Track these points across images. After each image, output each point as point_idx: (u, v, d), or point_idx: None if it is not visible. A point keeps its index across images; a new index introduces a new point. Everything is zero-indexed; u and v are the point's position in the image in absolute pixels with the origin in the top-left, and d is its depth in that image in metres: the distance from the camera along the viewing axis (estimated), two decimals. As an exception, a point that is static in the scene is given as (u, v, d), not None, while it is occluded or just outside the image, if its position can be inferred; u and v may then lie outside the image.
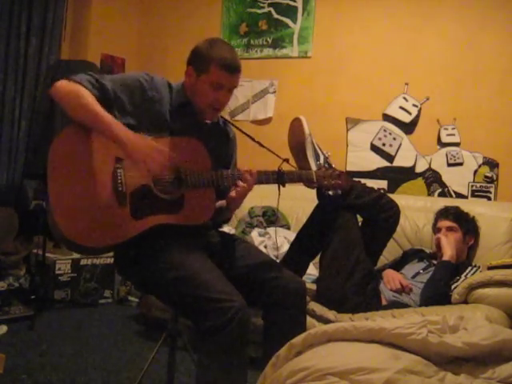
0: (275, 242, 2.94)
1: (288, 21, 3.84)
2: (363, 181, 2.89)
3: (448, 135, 3.37)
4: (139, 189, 1.75)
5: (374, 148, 3.57)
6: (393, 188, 3.49)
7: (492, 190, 3.25)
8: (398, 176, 3.50)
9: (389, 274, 2.65)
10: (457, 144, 3.35)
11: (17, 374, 2.38)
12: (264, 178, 1.88)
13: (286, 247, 2.80)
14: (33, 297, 3.22)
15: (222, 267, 1.76)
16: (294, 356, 1.40)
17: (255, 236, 3.05)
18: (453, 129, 3.35)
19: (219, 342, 1.59)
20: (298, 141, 2.26)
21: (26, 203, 3.67)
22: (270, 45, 3.90)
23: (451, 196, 3.35)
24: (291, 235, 2.87)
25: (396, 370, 1.23)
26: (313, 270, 2.79)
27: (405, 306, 2.44)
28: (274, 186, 1.93)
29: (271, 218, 3.29)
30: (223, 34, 4.04)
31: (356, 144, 3.62)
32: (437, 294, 2.45)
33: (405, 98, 3.49)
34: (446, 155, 3.37)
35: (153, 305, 2.99)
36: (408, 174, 3.48)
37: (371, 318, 2.24)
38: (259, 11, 3.94)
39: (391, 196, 2.64)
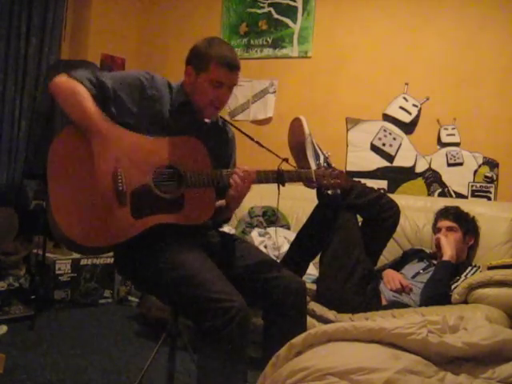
0: (275, 242, 2.94)
1: (288, 21, 3.84)
2: (363, 181, 2.89)
3: (448, 135, 3.37)
4: (139, 188, 1.75)
5: (374, 148, 3.57)
6: (393, 188, 3.49)
7: (492, 189, 3.25)
8: (398, 176, 3.50)
9: (389, 273, 2.64)
10: (457, 144, 3.35)
11: (17, 373, 2.39)
12: (263, 177, 1.88)
13: (286, 247, 2.80)
14: (33, 297, 3.22)
15: (221, 267, 1.76)
16: (294, 356, 1.40)
17: (255, 236, 3.05)
18: (453, 129, 3.35)
19: (219, 341, 1.59)
20: (297, 141, 2.26)
21: (26, 203, 3.67)
22: (270, 45, 3.90)
23: (451, 196, 3.35)
24: (291, 235, 2.87)
25: (396, 370, 1.23)
26: (313, 270, 2.79)
27: (405, 306, 2.44)
28: (274, 186, 1.93)
29: (271, 217, 3.29)
30: (223, 34, 4.04)
31: (356, 144, 3.62)
32: (437, 294, 2.44)
33: (405, 98, 3.49)
34: (446, 155, 3.37)
35: (153, 305, 3.00)
36: (408, 173, 3.48)
37: (371, 317, 2.24)
38: (259, 11, 3.94)
39: (391, 196, 2.64)
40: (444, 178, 3.38)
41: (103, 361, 2.62)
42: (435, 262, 2.68)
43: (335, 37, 3.70)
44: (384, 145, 3.54)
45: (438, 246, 2.68)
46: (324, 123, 3.52)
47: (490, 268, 2.49)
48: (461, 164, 3.33)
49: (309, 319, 2.08)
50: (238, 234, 3.10)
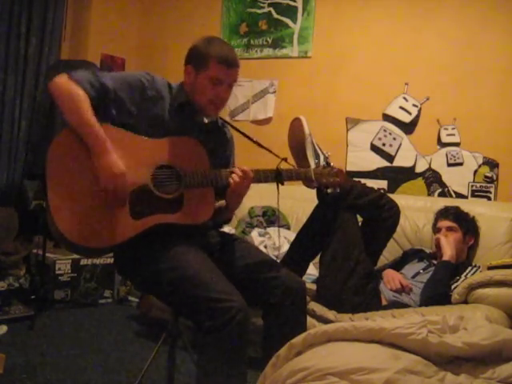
0: (275, 242, 2.94)
1: (288, 21, 3.84)
2: (363, 181, 2.89)
3: (448, 135, 3.37)
4: (138, 189, 1.75)
5: (374, 148, 3.57)
6: (393, 188, 3.49)
7: (492, 189, 3.25)
8: (398, 176, 3.50)
9: (389, 273, 2.64)
10: (457, 144, 3.35)
11: (17, 373, 2.39)
12: (262, 176, 1.88)
13: (286, 247, 2.80)
14: (33, 297, 3.23)
15: (221, 267, 1.76)
16: (294, 356, 1.40)
17: (255, 236, 3.05)
18: (453, 129, 3.35)
19: (219, 342, 1.59)
20: (297, 141, 2.26)
21: (26, 203, 3.66)
22: (270, 45, 3.90)
23: (451, 196, 3.35)
24: (291, 235, 2.87)
25: (396, 370, 1.23)
26: (313, 270, 2.79)
27: (405, 306, 2.44)
28: (274, 186, 1.93)
29: (271, 217, 3.29)
30: (223, 34, 4.04)
31: (356, 144, 3.62)
32: (437, 294, 2.44)
33: (405, 98, 3.49)
34: (446, 155, 3.37)
35: (153, 305, 3.00)
36: (408, 173, 3.47)
37: (371, 317, 2.24)
38: (259, 11, 3.94)
39: (391, 196, 2.64)
40: (444, 178, 3.38)
41: (103, 361, 2.62)
42: (435, 261, 2.68)
43: (335, 37, 3.69)
44: (384, 145, 3.54)
45: (438, 246, 2.68)
46: (324, 123, 3.52)
47: (490, 268, 2.49)
48: (461, 164, 3.33)
49: (309, 319, 2.08)
50: (238, 234, 3.09)
